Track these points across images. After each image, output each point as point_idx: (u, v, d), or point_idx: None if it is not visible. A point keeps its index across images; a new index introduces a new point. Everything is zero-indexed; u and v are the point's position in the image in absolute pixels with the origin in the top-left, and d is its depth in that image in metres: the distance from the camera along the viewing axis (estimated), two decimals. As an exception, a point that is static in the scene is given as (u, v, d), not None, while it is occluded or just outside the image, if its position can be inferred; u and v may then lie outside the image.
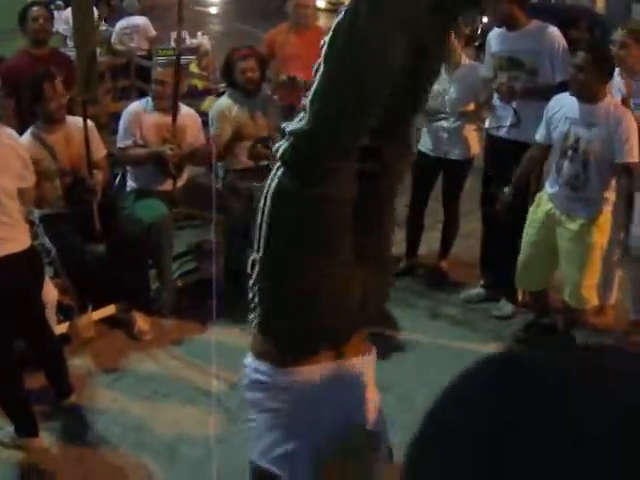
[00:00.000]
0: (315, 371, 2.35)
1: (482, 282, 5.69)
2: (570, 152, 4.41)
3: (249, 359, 2.45)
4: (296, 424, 2.40)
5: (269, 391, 2.41)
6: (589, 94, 4.29)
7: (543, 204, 4.69)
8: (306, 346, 2.37)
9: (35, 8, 5.87)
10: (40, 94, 4.81)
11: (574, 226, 4.50)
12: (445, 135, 5.63)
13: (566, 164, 4.44)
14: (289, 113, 6.17)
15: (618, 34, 5.05)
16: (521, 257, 4.90)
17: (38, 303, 4.24)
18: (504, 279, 5.38)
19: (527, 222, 4.85)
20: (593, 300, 4.64)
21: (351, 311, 2.36)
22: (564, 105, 4.46)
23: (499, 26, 5.22)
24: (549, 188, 4.65)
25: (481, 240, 5.70)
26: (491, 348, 4.99)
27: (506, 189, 4.87)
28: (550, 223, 4.64)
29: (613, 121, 4.29)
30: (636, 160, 4.33)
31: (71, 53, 7.27)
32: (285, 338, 2.38)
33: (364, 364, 2.51)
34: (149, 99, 5.53)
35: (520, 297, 5.41)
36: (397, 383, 4.52)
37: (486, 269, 5.70)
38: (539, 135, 4.67)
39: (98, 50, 7.76)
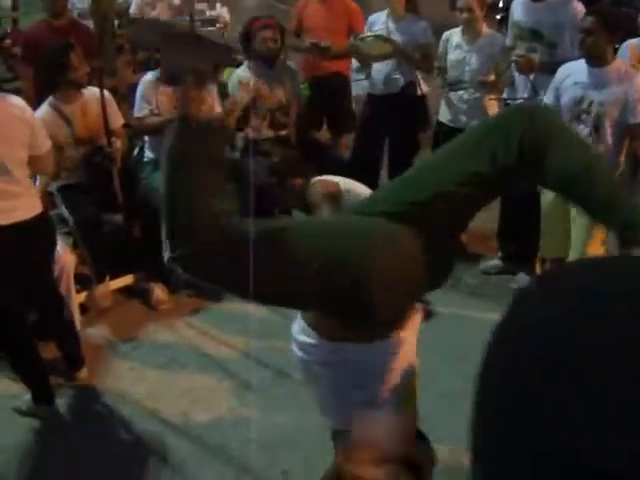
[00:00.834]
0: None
1: (500, 254, 5.67)
2: (584, 116, 4.38)
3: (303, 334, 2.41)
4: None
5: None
6: (598, 57, 4.29)
7: None
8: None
9: None
10: (66, 63, 4.84)
11: None
12: (464, 106, 5.59)
13: (580, 128, 4.39)
14: (311, 85, 6.16)
15: None
16: (542, 225, 4.88)
17: (46, 272, 4.22)
18: (522, 251, 5.36)
19: (542, 195, 4.82)
20: None
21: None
22: (574, 71, 4.45)
23: None
24: None
25: (499, 212, 5.67)
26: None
27: None
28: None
29: (625, 82, 4.27)
30: None
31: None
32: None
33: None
34: (164, 69, 5.52)
35: (539, 270, 5.37)
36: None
37: (504, 241, 5.68)
38: (547, 99, 4.65)
39: (117, 22, 7.77)
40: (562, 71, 4.52)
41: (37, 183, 4.57)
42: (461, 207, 2.28)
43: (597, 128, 4.33)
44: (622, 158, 4.45)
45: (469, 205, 2.30)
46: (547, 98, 4.63)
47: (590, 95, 4.34)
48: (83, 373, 4.40)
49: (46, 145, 4.07)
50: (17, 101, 3.95)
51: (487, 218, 5.90)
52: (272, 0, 9.93)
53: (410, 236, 2.21)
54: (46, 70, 4.98)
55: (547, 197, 4.75)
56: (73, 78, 4.89)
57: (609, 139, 4.34)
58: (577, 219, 4.53)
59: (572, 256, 4.61)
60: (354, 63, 7.35)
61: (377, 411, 2.31)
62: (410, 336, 2.44)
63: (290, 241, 2.11)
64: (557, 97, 4.54)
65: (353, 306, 2.19)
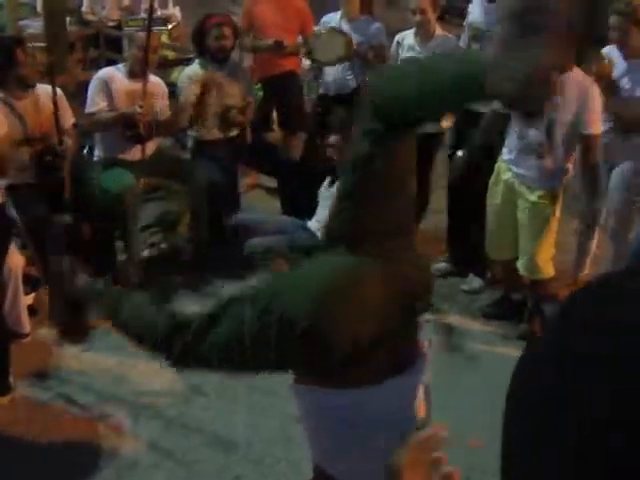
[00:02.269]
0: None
1: (447, 256, 5.70)
2: None
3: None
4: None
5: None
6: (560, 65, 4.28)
7: (502, 174, 4.67)
8: None
9: None
10: (12, 59, 4.76)
11: (532, 197, 4.48)
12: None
13: (532, 131, 4.41)
14: (265, 86, 6.14)
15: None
16: (488, 227, 4.90)
17: None
18: (471, 253, 5.40)
19: (489, 192, 4.83)
20: (548, 271, 4.63)
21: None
22: None
23: None
24: (507, 154, 4.61)
25: (446, 214, 5.70)
26: (460, 321, 5.03)
27: (459, 153, 4.84)
28: (510, 193, 4.62)
29: (582, 91, 4.28)
30: (598, 132, 4.35)
31: (39, 23, 7.20)
32: None
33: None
34: (120, 66, 5.45)
35: (489, 273, 5.42)
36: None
37: (451, 243, 5.71)
38: (498, 104, 4.64)
39: (68, 19, 7.68)
40: None
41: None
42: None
43: (549, 134, 4.35)
44: (570, 166, 4.48)
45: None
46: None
47: None
48: (5, 401, 4.20)
49: (2, 129, 3.96)
50: None
51: (436, 220, 5.95)
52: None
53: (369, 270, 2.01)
54: None
55: (493, 199, 4.77)
56: (20, 75, 4.82)
57: (560, 145, 4.37)
58: (524, 221, 4.58)
59: (522, 260, 4.63)
60: (306, 64, 7.36)
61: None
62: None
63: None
64: None
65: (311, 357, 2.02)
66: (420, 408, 2.25)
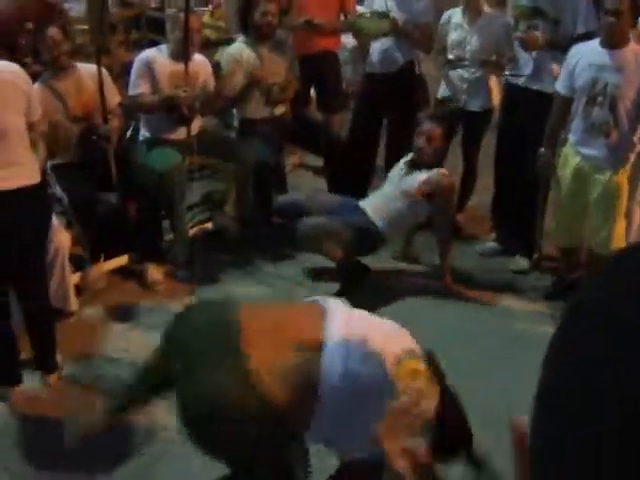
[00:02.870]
0: None
1: (495, 236, 5.65)
2: (600, 98, 4.32)
3: None
4: None
5: None
6: (619, 39, 4.19)
7: (571, 160, 4.60)
8: None
9: None
10: (44, 41, 4.78)
11: (603, 177, 4.44)
12: (465, 85, 5.55)
13: (596, 110, 4.35)
14: (302, 65, 6.07)
15: None
16: (556, 215, 4.85)
17: (36, 250, 4.00)
18: (519, 234, 5.33)
19: (555, 180, 4.77)
20: (622, 245, 4.56)
21: None
22: (586, 53, 4.36)
23: None
24: (573, 136, 4.56)
25: (493, 193, 5.64)
26: (506, 301, 4.98)
27: (541, 149, 4.77)
28: (580, 178, 4.56)
29: None
30: None
31: (82, 6, 7.19)
32: None
33: None
34: (162, 47, 5.41)
35: (536, 254, 5.35)
36: (412, 326, 4.52)
37: (498, 224, 5.65)
38: (562, 87, 4.55)
39: (109, 1, 7.68)
40: (573, 54, 4.44)
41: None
42: None
43: (613, 110, 4.27)
44: (637, 139, 4.40)
45: None
46: (561, 83, 4.55)
47: (605, 77, 4.27)
48: (52, 379, 4.18)
49: (38, 112, 3.96)
50: (9, 66, 3.81)
51: (483, 199, 5.88)
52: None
53: None
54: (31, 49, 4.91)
55: (564, 184, 4.69)
56: (53, 55, 4.83)
57: (625, 121, 4.29)
58: (597, 200, 4.51)
59: (598, 239, 4.57)
60: (349, 43, 7.28)
61: None
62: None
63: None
64: (572, 82, 4.46)
65: None
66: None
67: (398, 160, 5.12)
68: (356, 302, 2.96)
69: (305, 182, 6.51)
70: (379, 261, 5.27)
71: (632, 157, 4.45)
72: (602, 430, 0.52)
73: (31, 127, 3.85)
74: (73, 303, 4.67)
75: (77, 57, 5.14)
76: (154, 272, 5.09)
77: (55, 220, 4.49)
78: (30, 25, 4.70)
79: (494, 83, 5.64)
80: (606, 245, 4.52)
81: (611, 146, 4.38)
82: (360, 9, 6.20)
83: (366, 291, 4.86)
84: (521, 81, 5.11)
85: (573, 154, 4.58)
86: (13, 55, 4.51)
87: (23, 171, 3.77)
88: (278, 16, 5.56)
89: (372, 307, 4.84)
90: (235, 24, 6.24)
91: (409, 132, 5.89)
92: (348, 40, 7.16)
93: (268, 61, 5.54)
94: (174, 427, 3.70)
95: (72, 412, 3.77)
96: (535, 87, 5.02)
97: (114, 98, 5.12)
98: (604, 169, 4.44)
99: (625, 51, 4.23)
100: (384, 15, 5.53)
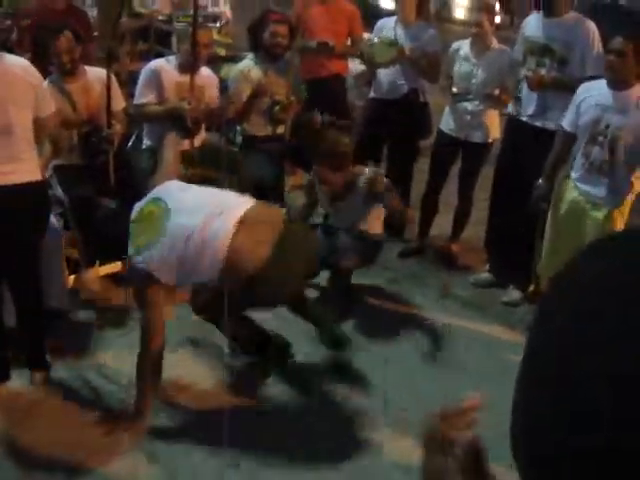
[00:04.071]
0: None
1: (488, 267, 5.68)
2: (600, 138, 4.36)
3: None
4: None
5: None
6: (622, 80, 4.24)
7: (569, 193, 4.65)
8: None
9: None
10: (52, 47, 4.85)
11: (599, 214, 4.48)
12: (468, 117, 5.60)
13: (596, 150, 4.40)
14: (310, 88, 6.13)
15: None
16: (546, 246, 4.87)
17: (30, 246, 4.03)
18: (512, 266, 5.37)
19: (551, 211, 4.81)
20: None
21: None
22: (594, 92, 4.41)
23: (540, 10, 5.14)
24: (574, 173, 4.61)
25: (487, 224, 5.70)
26: (498, 332, 5.01)
27: (539, 181, 4.81)
28: (576, 212, 4.60)
29: None
30: None
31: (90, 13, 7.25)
32: None
33: None
34: (170, 58, 5.46)
35: (532, 287, 5.38)
36: (401, 357, 4.55)
37: (493, 255, 5.69)
38: (567, 123, 4.60)
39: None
40: (582, 90, 4.49)
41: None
42: None
43: (612, 151, 4.32)
44: (636, 183, 4.46)
45: None
46: (566, 119, 4.60)
47: (608, 118, 4.31)
48: (38, 378, 4.19)
49: (50, 107, 3.99)
50: (19, 61, 3.85)
51: (478, 230, 5.93)
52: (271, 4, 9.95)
53: None
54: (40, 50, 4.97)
55: (555, 217, 4.74)
56: (60, 62, 4.89)
57: (622, 164, 4.34)
58: (591, 237, 4.51)
59: None
60: (354, 68, 7.37)
61: None
62: None
63: None
64: (577, 119, 4.51)
65: None
66: None
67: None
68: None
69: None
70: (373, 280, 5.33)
71: (630, 197, 4.49)
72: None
73: (39, 123, 3.88)
74: (67, 303, 4.68)
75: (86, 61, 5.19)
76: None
77: (54, 219, 4.55)
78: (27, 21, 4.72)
79: (495, 117, 5.70)
80: None
81: (609, 186, 4.42)
82: (368, 36, 6.29)
83: (359, 315, 4.93)
84: (524, 117, 5.17)
85: (571, 188, 4.62)
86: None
87: (25, 167, 3.80)
88: (289, 39, 5.63)
89: (365, 330, 4.91)
90: (245, 41, 6.30)
91: (409, 159, 5.97)
92: (353, 66, 7.26)
93: (274, 80, 5.59)
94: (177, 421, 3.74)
95: (54, 415, 3.80)
96: (537, 124, 5.09)
97: (119, 103, 5.17)
98: (600, 206, 4.48)
99: (629, 93, 4.27)
100: (392, 43, 5.61)
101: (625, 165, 4.35)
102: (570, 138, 4.63)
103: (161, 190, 3.81)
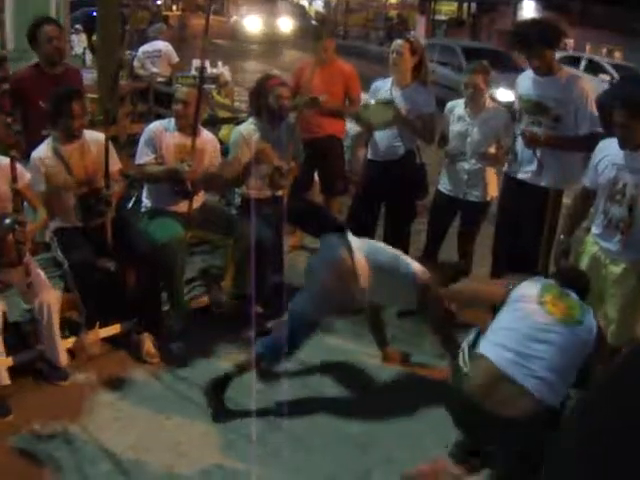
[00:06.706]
0: None
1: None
2: (618, 196, 4.41)
3: None
4: None
5: None
6: (634, 144, 4.29)
7: (589, 248, 4.70)
8: None
9: (48, 27, 5.56)
10: (67, 111, 4.91)
11: (617, 269, 4.51)
12: (465, 176, 5.66)
13: (615, 207, 4.45)
14: (307, 149, 6.19)
15: None
16: None
17: None
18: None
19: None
20: (635, 337, 4.57)
21: None
22: (610, 151, 4.47)
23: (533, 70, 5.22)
24: (595, 229, 4.67)
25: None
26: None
27: (561, 237, 4.85)
28: (595, 267, 4.63)
29: None
30: None
31: (90, 75, 7.32)
32: None
33: None
34: (171, 119, 5.51)
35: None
36: (397, 417, 4.59)
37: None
38: (588, 180, 4.67)
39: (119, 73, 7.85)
40: (600, 149, 4.56)
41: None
42: None
43: (631, 209, 4.37)
44: None
45: None
46: (587, 175, 4.67)
47: (624, 177, 4.37)
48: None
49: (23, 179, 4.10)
50: None
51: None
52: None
53: None
54: (49, 113, 4.99)
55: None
56: (70, 126, 4.96)
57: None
58: (610, 291, 4.55)
59: (610, 329, 4.56)
60: (351, 130, 7.46)
61: None
62: None
63: None
64: (596, 176, 4.56)
65: None
66: None
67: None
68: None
69: (303, 263, 6.55)
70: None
71: None
72: None
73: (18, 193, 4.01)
74: (64, 359, 4.72)
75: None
76: (149, 344, 5.08)
77: (43, 277, 4.64)
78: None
79: (493, 175, 5.76)
80: (616, 336, 4.53)
81: (627, 243, 4.45)
82: (364, 97, 6.37)
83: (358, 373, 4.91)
84: (522, 175, 5.22)
85: (592, 242, 4.67)
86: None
87: None
88: (290, 100, 5.70)
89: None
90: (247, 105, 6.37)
91: (407, 219, 6.00)
92: (350, 127, 7.35)
93: (275, 146, 5.63)
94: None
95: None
96: (535, 182, 5.14)
97: (115, 164, 5.23)
98: (619, 261, 4.50)
99: None
100: (388, 103, 5.67)
101: None
102: (589, 193, 4.70)
103: None
